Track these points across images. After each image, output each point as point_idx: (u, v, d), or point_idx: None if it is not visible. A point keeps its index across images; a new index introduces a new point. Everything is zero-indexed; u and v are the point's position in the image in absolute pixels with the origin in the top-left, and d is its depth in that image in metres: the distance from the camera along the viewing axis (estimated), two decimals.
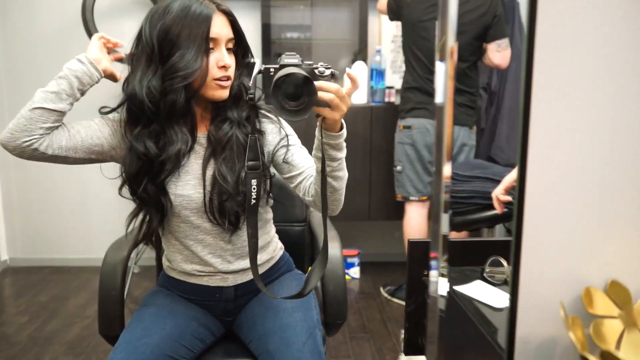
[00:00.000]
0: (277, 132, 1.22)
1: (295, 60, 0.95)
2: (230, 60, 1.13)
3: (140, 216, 1.21)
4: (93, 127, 1.15)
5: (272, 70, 0.96)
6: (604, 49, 0.57)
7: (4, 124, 1.07)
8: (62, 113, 1.09)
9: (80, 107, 1.19)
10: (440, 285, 0.59)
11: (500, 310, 0.81)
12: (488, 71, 2.83)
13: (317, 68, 0.97)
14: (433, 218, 0.61)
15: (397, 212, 2.73)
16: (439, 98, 0.63)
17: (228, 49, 1.13)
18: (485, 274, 0.93)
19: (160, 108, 1.09)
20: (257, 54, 2.85)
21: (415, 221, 2.54)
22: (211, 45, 1.10)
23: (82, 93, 1.12)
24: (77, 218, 3.17)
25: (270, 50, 2.92)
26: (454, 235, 2.13)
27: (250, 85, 1.10)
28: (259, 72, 1.00)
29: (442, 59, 0.63)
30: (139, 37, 1.11)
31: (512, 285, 0.54)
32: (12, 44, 2.98)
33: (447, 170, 0.60)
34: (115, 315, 1.26)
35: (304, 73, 0.91)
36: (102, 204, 3.13)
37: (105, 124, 1.17)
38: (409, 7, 2.42)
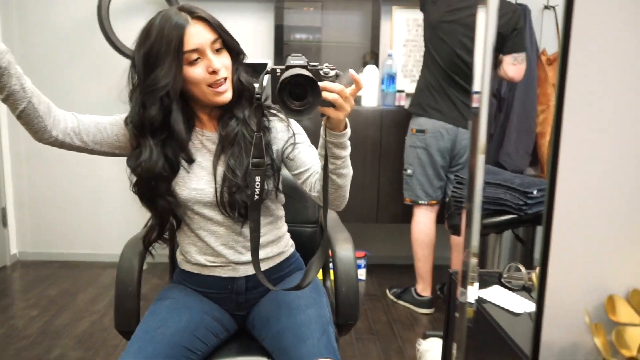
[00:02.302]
0: (285, 130, 1.26)
1: (301, 61, 0.98)
2: (219, 62, 1.15)
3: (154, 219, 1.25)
4: (119, 124, 1.21)
5: (278, 71, 0.99)
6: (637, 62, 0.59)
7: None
8: (11, 94, 1.05)
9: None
10: (470, 292, 0.61)
11: (519, 315, 0.83)
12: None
13: (322, 69, 1.00)
14: (466, 223, 0.62)
15: (404, 215, 2.75)
16: (474, 104, 0.65)
17: (217, 50, 1.16)
18: (503, 279, 0.94)
19: (144, 123, 1.15)
20: (269, 54, 2.86)
21: (423, 225, 2.55)
22: (197, 56, 1.13)
23: None
24: (87, 213, 3.20)
25: (282, 51, 2.94)
26: (459, 240, 2.13)
27: (248, 81, 1.18)
28: (266, 72, 1.02)
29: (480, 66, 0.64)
30: (132, 59, 1.16)
31: (539, 293, 0.55)
32: (28, 41, 3.01)
33: (480, 175, 0.62)
34: (132, 311, 1.27)
35: (309, 74, 0.94)
36: (112, 201, 3.16)
37: None
38: (433, 5, 2.42)
